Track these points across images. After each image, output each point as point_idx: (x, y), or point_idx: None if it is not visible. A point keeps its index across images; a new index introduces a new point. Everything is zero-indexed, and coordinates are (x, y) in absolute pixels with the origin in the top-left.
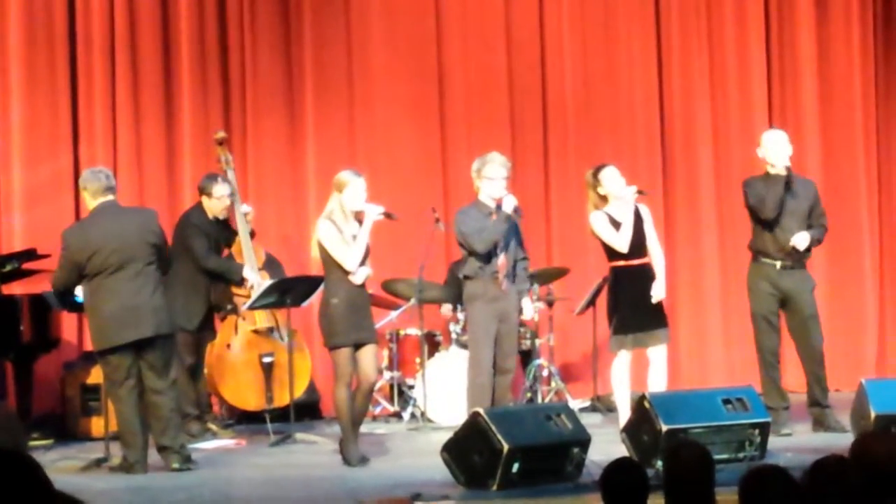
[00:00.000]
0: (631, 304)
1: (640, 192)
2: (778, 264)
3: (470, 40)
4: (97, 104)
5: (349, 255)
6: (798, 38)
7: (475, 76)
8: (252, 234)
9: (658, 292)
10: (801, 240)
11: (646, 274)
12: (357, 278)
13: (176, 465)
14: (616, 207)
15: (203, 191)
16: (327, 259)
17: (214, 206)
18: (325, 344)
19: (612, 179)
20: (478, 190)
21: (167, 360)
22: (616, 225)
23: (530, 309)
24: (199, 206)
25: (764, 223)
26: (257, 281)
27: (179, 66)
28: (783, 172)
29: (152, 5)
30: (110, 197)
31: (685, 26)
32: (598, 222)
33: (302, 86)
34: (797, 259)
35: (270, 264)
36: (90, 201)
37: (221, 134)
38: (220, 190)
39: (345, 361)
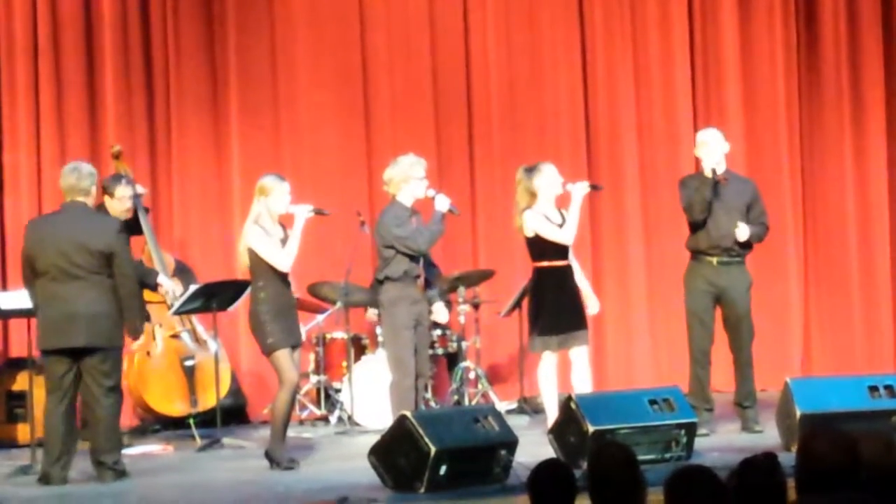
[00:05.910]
0: (556, 306)
1: (594, 186)
2: (714, 260)
3: (394, 43)
4: (20, 111)
5: (282, 256)
6: (721, 38)
7: (399, 79)
8: (146, 211)
9: (593, 306)
10: (742, 232)
11: (569, 275)
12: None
13: (110, 482)
14: (545, 206)
15: (106, 190)
16: (257, 264)
17: (116, 206)
18: (263, 350)
19: (550, 178)
20: (394, 193)
21: (108, 370)
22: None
23: (445, 312)
24: (102, 208)
25: (694, 224)
26: (171, 286)
27: (103, 72)
28: (710, 174)
29: (75, 11)
30: (79, 198)
31: (609, 27)
32: (536, 220)
33: (226, 90)
34: (735, 254)
35: (181, 271)
36: (66, 196)
37: (117, 148)
38: (123, 191)
39: (287, 364)
